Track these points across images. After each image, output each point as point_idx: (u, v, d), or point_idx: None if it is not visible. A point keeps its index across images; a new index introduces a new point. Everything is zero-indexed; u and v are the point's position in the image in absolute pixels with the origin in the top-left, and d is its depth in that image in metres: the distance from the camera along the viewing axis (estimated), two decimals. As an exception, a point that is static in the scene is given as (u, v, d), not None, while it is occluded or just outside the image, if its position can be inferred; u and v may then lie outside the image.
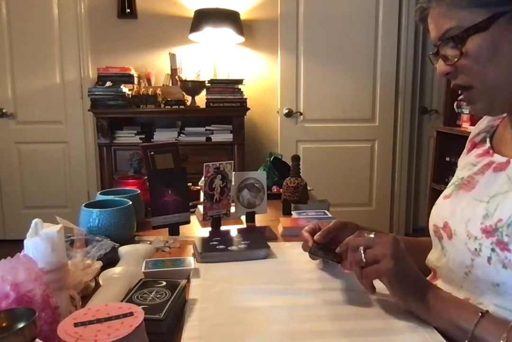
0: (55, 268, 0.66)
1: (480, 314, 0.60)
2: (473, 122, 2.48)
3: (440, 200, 0.79)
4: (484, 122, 0.82)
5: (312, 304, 0.75)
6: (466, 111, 2.56)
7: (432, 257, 0.79)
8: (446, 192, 0.78)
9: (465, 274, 0.68)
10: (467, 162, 0.78)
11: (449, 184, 0.79)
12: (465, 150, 0.83)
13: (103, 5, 3.23)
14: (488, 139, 0.77)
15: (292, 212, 1.32)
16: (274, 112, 3.30)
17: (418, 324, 0.67)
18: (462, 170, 0.78)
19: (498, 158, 0.71)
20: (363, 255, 0.69)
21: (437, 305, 0.65)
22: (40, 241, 0.65)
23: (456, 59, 0.65)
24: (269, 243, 1.01)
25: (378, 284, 0.71)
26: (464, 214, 0.70)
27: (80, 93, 3.28)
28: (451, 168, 2.68)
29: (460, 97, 0.72)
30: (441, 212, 0.76)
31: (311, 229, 0.88)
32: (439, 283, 0.76)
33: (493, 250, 0.63)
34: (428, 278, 0.80)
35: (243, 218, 1.27)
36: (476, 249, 0.65)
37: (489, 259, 0.63)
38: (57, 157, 3.37)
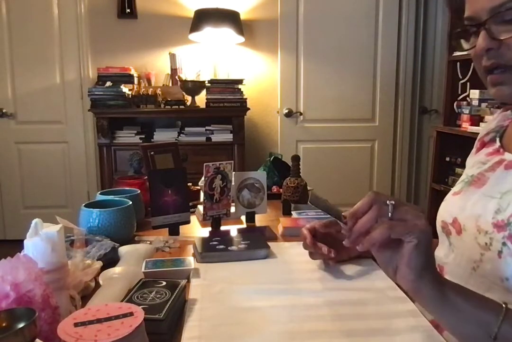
0: (55, 268, 0.66)
1: (503, 306, 0.54)
2: (473, 122, 2.48)
3: (449, 196, 0.79)
4: (494, 122, 0.82)
5: (312, 304, 0.74)
6: (466, 111, 2.56)
7: (440, 254, 0.78)
8: (455, 188, 0.78)
9: (472, 270, 0.68)
10: (476, 161, 0.78)
11: (458, 181, 0.79)
12: (473, 150, 0.83)
13: (103, 5, 3.23)
14: (497, 139, 0.77)
15: (292, 212, 1.32)
16: (274, 112, 3.30)
17: (418, 324, 0.67)
18: (471, 168, 0.78)
19: (509, 156, 0.71)
20: (391, 209, 0.56)
21: (454, 291, 0.56)
22: (40, 241, 0.65)
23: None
24: (269, 243, 1.01)
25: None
26: (474, 209, 0.69)
27: (80, 93, 3.28)
28: (451, 168, 2.68)
29: (489, 77, 0.66)
30: (450, 207, 0.76)
31: (312, 227, 0.88)
32: None
33: (504, 244, 0.63)
34: None
35: (243, 218, 1.27)
36: (486, 244, 0.65)
37: (499, 252, 0.63)
38: (57, 157, 3.37)
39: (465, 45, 0.67)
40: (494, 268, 0.64)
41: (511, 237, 0.62)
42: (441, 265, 0.78)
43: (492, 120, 0.84)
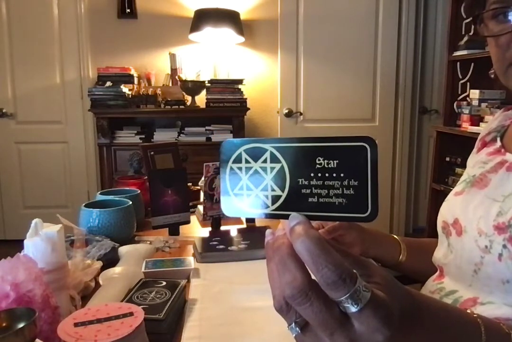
0: (55, 268, 0.66)
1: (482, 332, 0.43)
2: (473, 122, 2.47)
3: (450, 196, 0.78)
4: (495, 122, 0.81)
5: (312, 304, 0.74)
6: (466, 111, 2.56)
7: (439, 254, 0.78)
8: (457, 188, 0.77)
9: (474, 272, 0.67)
10: (477, 161, 0.77)
11: (460, 181, 0.78)
12: (474, 150, 0.83)
13: (103, 5, 3.23)
14: (498, 139, 0.76)
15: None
16: (274, 112, 3.30)
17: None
18: (473, 168, 0.77)
19: (510, 157, 0.70)
20: None
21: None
22: (40, 241, 0.65)
23: None
24: (269, 243, 1.00)
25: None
26: (476, 211, 0.69)
27: (80, 93, 3.28)
28: (451, 168, 2.68)
29: None
30: (452, 208, 0.75)
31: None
32: (446, 281, 0.75)
33: (504, 246, 0.62)
34: (434, 276, 0.79)
35: (243, 218, 1.27)
36: (486, 246, 0.64)
37: (500, 255, 0.62)
38: (57, 157, 3.37)
39: (485, 31, 0.60)
40: (495, 271, 0.64)
41: (511, 239, 0.62)
42: (440, 265, 0.78)
43: (493, 119, 0.83)
